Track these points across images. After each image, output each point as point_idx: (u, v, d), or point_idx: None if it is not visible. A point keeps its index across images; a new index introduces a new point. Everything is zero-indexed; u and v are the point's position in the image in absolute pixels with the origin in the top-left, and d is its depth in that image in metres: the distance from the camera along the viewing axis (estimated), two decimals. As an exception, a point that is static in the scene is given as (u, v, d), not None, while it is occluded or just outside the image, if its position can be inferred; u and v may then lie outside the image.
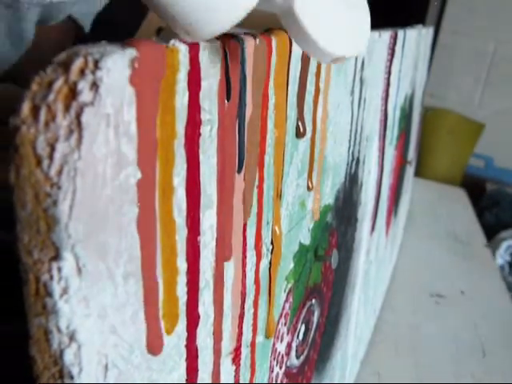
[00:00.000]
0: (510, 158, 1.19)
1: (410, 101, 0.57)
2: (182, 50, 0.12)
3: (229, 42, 0.14)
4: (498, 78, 1.18)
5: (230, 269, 0.17)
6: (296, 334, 0.27)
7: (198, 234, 0.14)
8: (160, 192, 0.12)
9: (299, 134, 0.20)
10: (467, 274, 0.80)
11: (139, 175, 0.11)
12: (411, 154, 0.74)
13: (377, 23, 0.45)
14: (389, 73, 0.38)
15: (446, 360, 0.60)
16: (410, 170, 0.82)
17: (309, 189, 0.23)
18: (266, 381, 0.23)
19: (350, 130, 0.29)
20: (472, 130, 1.14)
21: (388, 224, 0.58)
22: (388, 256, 0.65)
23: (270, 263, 0.20)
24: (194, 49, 0.12)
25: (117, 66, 0.10)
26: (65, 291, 0.10)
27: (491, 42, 1.18)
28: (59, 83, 0.10)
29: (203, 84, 0.13)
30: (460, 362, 0.60)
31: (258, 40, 0.15)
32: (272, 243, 0.20)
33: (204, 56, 0.13)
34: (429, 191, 1.11)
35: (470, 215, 1.03)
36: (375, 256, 0.51)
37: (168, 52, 0.11)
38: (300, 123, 0.20)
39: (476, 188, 1.15)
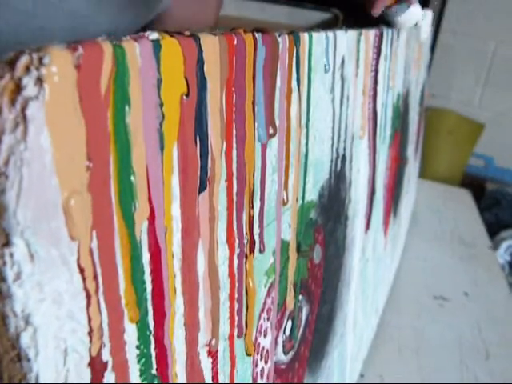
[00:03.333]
0: (510, 158, 1.19)
1: (404, 100, 0.57)
2: (132, 48, 0.12)
3: (185, 40, 0.14)
4: (498, 77, 1.17)
5: (200, 261, 0.17)
6: (282, 329, 0.27)
7: (160, 226, 0.15)
8: (116, 183, 0.13)
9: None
10: (471, 276, 0.79)
11: (91, 166, 0.12)
12: (411, 154, 0.74)
13: (377, 23, 0.46)
14: (375, 71, 0.38)
15: (449, 362, 0.60)
16: (412, 171, 0.82)
17: (284, 203, 0.24)
18: (249, 375, 0.24)
19: (333, 128, 0.29)
20: (472, 129, 1.14)
21: (386, 223, 0.58)
22: (389, 256, 0.65)
23: (246, 257, 0.21)
24: (145, 46, 0.13)
25: (61, 62, 0.11)
26: (18, 276, 0.11)
27: (491, 41, 1.18)
28: (5, 79, 0.10)
29: (159, 79, 0.14)
30: (464, 364, 0.60)
31: (217, 38, 0.16)
32: (246, 238, 0.20)
33: (162, 52, 0.14)
34: (433, 192, 1.11)
35: (475, 217, 1.03)
36: (372, 255, 0.51)
37: (116, 49, 0.12)
38: (270, 123, 0.20)
39: (476, 188, 1.14)
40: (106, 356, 0.14)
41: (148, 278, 0.15)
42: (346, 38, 0.29)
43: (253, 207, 0.21)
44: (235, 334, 0.21)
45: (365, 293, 0.50)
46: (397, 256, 0.76)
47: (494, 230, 1.02)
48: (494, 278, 0.80)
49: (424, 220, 0.97)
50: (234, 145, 0.18)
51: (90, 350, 0.13)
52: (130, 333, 0.14)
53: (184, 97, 0.15)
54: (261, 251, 0.22)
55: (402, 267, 0.79)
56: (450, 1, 1.25)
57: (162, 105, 0.14)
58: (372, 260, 0.52)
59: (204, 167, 0.16)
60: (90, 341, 0.13)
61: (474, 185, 1.14)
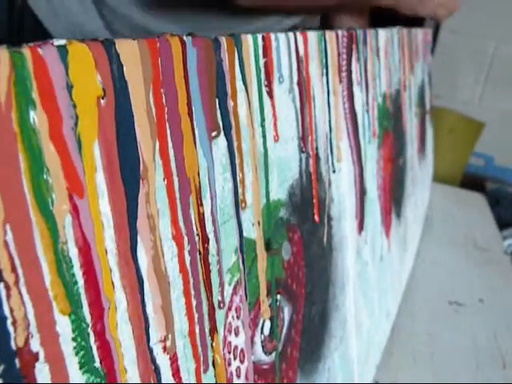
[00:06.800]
0: (510, 157, 1.17)
1: (394, 101, 0.57)
2: (35, 53, 0.13)
3: (95, 45, 0.15)
4: (498, 77, 1.17)
5: (141, 257, 0.18)
6: (258, 328, 0.28)
7: (87, 221, 0.15)
8: (28, 179, 0.14)
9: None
10: (486, 281, 0.78)
11: (-5, 164, 0.13)
12: (413, 155, 0.74)
13: (376, 23, 0.46)
14: (348, 71, 0.39)
15: (464, 370, 0.59)
16: (418, 172, 0.82)
17: (242, 208, 0.24)
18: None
19: (297, 127, 0.30)
20: (472, 128, 1.13)
21: (387, 225, 0.58)
22: (396, 259, 0.64)
23: (200, 253, 0.21)
24: (48, 51, 0.14)
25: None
26: None
27: (491, 41, 1.17)
28: None
29: (69, 82, 0.15)
30: (479, 372, 0.58)
31: (135, 42, 0.17)
32: (197, 234, 0.21)
33: (69, 57, 0.14)
34: (447, 196, 1.09)
35: (489, 221, 1.01)
36: (372, 257, 0.50)
37: (14, 55, 0.13)
38: (211, 123, 0.21)
39: (476, 187, 1.13)
40: (35, 347, 0.14)
41: (78, 271, 0.15)
42: (301, 39, 0.30)
43: (202, 205, 0.21)
44: (197, 330, 0.22)
45: (367, 295, 0.50)
46: (408, 259, 0.75)
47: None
48: (509, 284, 0.78)
49: (437, 224, 0.96)
50: (170, 144, 0.19)
51: (15, 339, 0.14)
52: (63, 325, 0.15)
53: (101, 99, 0.16)
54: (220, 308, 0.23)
55: (416, 271, 0.78)
56: (450, 1, 1.25)
57: (74, 106, 0.15)
58: (373, 262, 0.51)
59: (134, 165, 0.17)
60: (15, 331, 0.14)
61: (474, 184, 1.13)
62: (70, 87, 0.15)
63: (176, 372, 0.21)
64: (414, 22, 0.72)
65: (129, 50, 0.17)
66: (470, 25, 1.19)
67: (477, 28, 1.18)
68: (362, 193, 0.45)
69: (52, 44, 0.14)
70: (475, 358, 0.60)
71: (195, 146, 0.20)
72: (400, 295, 0.68)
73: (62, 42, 0.14)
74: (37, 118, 0.14)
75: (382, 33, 0.49)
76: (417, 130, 0.77)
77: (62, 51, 0.14)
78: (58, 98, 0.14)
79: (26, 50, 0.13)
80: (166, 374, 0.20)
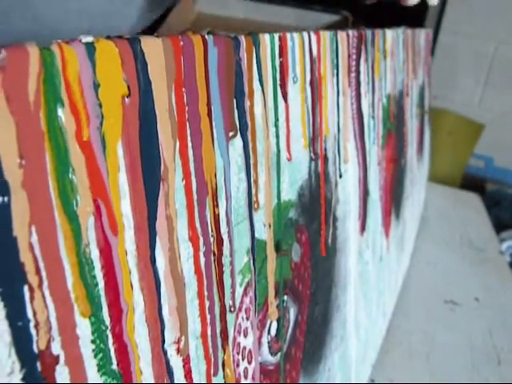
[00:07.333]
0: (510, 158, 1.18)
1: (398, 101, 0.57)
2: (57, 50, 0.13)
3: (122, 43, 0.15)
4: (499, 78, 1.17)
5: (160, 259, 0.18)
6: (266, 329, 0.27)
7: (109, 223, 0.15)
8: (54, 179, 0.13)
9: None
10: (482, 280, 0.79)
11: (23, 163, 0.12)
12: (412, 156, 0.74)
13: (376, 23, 0.46)
14: (357, 72, 0.38)
15: (460, 368, 0.59)
16: (416, 173, 0.82)
17: (255, 209, 0.24)
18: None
19: (308, 127, 0.30)
20: (472, 130, 1.14)
21: (387, 225, 0.58)
22: (394, 259, 0.64)
23: (214, 255, 0.21)
24: (77, 48, 0.13)
25: (-16, 65, 0.11)
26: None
27: (491, 42, 1.18)
28: None
29: (96, 80, 0.14)
30: (475, 369, 0.59)
31: (160, 40, 0.17)
32: (212, 235, 0.21)
33: (96, 54, 0.14)
34: (442, 196, 1.10)
35: (485, 221, 1.02)
36: (372, 257, 0.51)
37: (44, 52, 0.13)
38: (229, 123, 0.21)
39: (476, 188, 1.14)
40: (56, 350, 0.14)
41: (99, 273, 0.15)
42: (315, 39, 0.29)
43: (218, 206, 0.21)
44: (209, 332, 0.22)
45: (367, 295, 0.50)
46: (405, 259, 0.75)
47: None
48: (504, 283, 0.79)
49: (433, 224, 0.96)
50: (190, 144, 0.19)
51: (37, 342, 0.13)
52: (83, 327, 0.15)
53: (125, 98, 0.15)
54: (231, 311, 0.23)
55: (412, 271, 0.78)
56: (450, 1, 1.26)
57: (100, 105, 0.14)
58: (373, 262, 0.51)
59: (155, 166, 0.17)
60: (37, 334, 0.13)
61: (474, 185, 1.14)
62: (96, 85, 0.14)
63: (188, 373, 0.20)
64: (414, 21, 0.72)
65: (153, 48, 0.16)
66: (470, 25, 1.19)
67: (477, 29, 1.19)
68: (365, 194, 0.45)
69: (80, 41, 0.14)
70: (471, 356, 0.61)
71: (213, 147, 0.20)
72: (396, 295, 0.69)
73: (90, 38, 0.14)
74: (64, 117, 0.13)
75: (389, 33, 0.49)
76: (416, 131, 0.78)
77: (90, 48, 0.14)
78: (85, 97, 0.14)
79: (55, 47, 0.13)
80: (179, 376, 0.20)
